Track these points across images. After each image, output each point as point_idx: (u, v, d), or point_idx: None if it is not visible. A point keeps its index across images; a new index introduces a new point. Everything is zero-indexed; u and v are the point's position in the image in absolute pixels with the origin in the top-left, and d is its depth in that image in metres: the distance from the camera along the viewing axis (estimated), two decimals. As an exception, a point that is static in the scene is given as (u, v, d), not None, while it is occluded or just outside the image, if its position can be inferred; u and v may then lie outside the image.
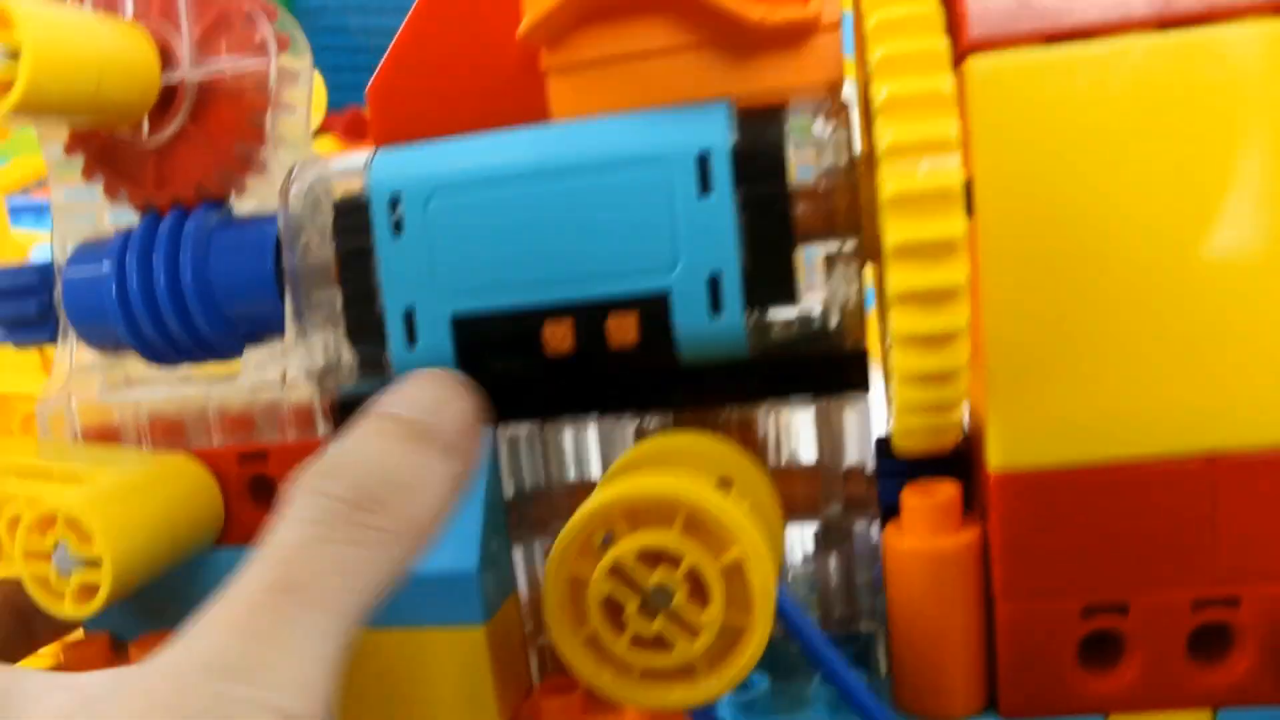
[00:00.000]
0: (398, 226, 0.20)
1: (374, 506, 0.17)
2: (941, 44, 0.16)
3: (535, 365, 0.21)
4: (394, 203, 0.20)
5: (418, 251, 0.20)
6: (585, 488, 0.23)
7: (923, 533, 0.19)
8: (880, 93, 0.16)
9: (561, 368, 0.21)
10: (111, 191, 0.25)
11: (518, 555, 0.23)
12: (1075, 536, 0.18)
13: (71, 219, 0.26)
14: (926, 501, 0.19)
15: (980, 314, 0.18)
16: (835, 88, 0.19)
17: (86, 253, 0.25)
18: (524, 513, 0.24)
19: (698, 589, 0.18)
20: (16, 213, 0.92)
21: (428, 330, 0.21)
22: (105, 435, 0.25)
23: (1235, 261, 0.17)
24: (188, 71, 0.23)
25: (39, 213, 0.93)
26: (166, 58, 0.23)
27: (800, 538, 0.23)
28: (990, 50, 0.17)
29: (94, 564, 0.21)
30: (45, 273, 0.26)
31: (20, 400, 0.32)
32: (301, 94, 0.25)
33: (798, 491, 0.22)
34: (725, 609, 0.18)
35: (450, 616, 0.21)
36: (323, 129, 0.66)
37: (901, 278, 0.16)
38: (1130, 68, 0.16)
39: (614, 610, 0.18)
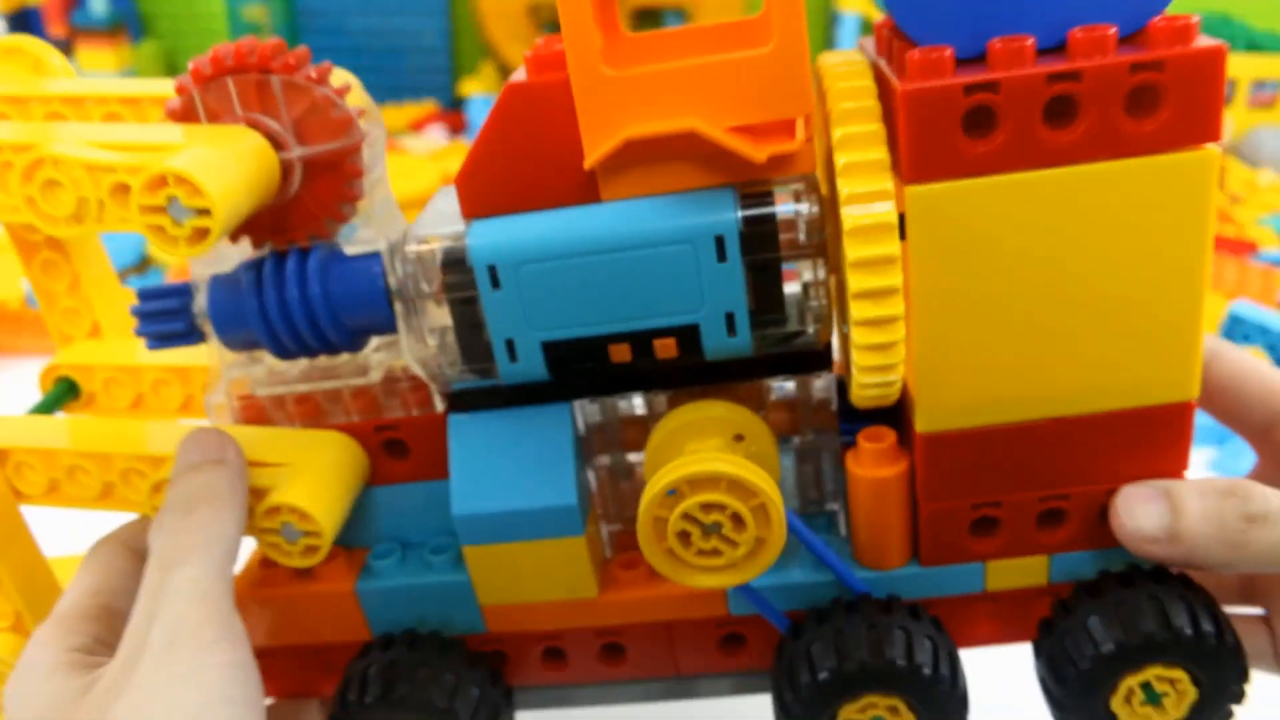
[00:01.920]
0: (496, 284, 0.28)
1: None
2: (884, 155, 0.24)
3: (604, 368, 0.29)
4: (492, 269, 0.28)
5: (513, 300, 0.28)
6: (630, 420, 0.33)
7: (873, 465, 0.29)
8: (842, 187, 0.24)
9: (622, 367, 0.30)
10: (233, 238, 0.31)
11: (590, 472, 0.33)
12: (969, 467, 0.29)
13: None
14: (875, 445, 0.29)
15: (911, 329, 0.27)
16: (810, 173, 0.27)
17: (222, 280, 0.32)
18: (590, 441, 0.33)
19: (737, 520, 0.28)
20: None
21: (525, 352, 0.29)
22: (258, 419, 0.33)
23: (1080, 313, 0.26)
24: (294, 153, 0.29)
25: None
26: (275, 142, 0.29)
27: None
28: (921, 182, 0.25)
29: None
30: (185, 295, 0.32)
31: (130, 375, 0.39)
32: (379, 147, 0.31)
33: (785, 418, 0.32)
34: (755, 530, 0.28)
35: (563, 533, 0.31)
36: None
37: (858, 281, 0.25)
38: (1019, 188, 0.25)
39: (683, 535, 0.28)
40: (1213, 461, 0.61)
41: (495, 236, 0.28)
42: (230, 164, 0.26)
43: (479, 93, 1.18)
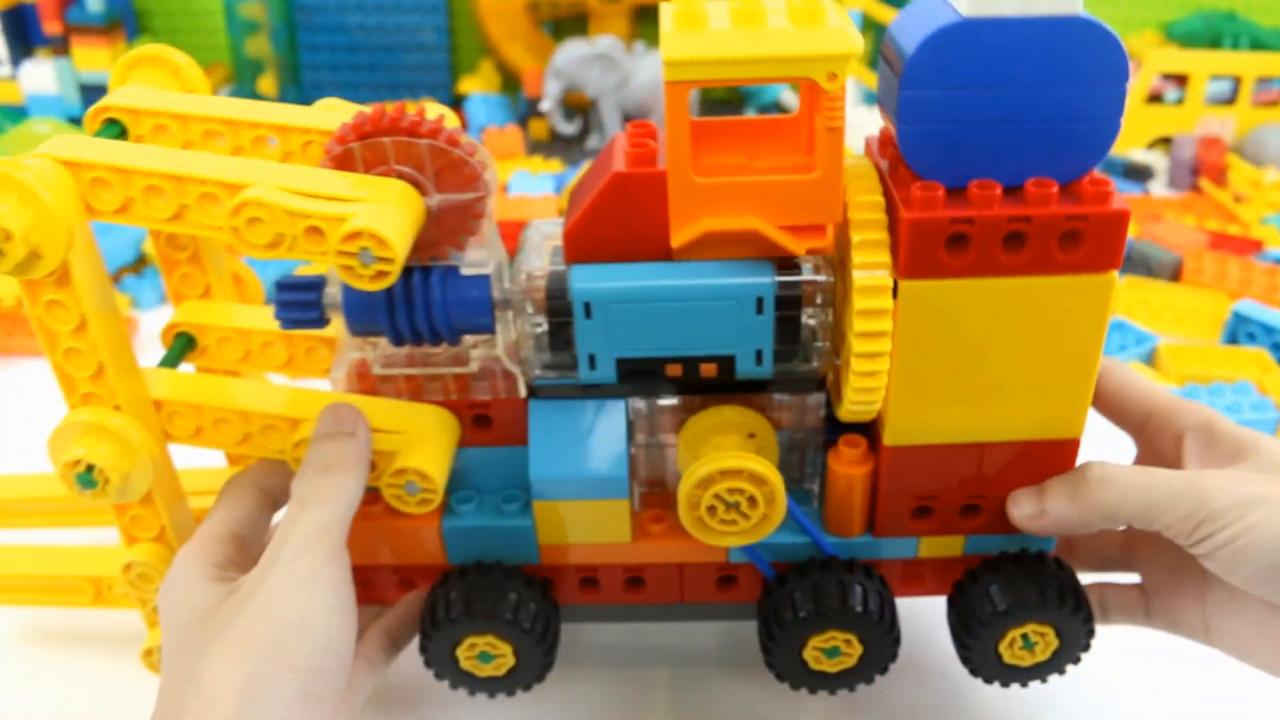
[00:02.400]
0: (588, 314, 0.37)
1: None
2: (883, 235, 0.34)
3: (660, 379, 0.39)
4: (587, 304, 0.37)
5: (600, 327, 0.37)
6: (663, 410, 0.42)
7: (848, 464, 0.40)
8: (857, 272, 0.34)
9: (674, 379, 0.39)
10: (370, 255, 0.39)
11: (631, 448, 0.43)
12: (918, 471, 0.39)
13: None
14: (852, 449, 0.40)
15: (891, 373, 0.37)
16: (830, 254, 0.37)
17: (353, 284, 0.40)
18: (634, 425, 0.42)
19: (752, 500, 0.38)
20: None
21: (602, 364, 0.38)
22: (369, 391, 0.42)
23: (1009, 373, 0.37)
24: (434, 200, 0.37)
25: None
26: (418, 189, 0.37)
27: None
28: (913, 279, 0.35)
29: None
30: (318, 289, 0.40)
31: (241, 335, 0.47)
32: (492, 188, 0.39)
33: (784, 418, 0.42)
34: (764, 508, 0.38)
35: (612, 495, 0.41)
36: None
37: (861, 324, 0.35)
38: (979, 288, 0.35)
39: (711, 508, 0.38)
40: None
41: (592, 281, 0.37)
42: (403, 218, 0.35)
43: (478, 91, 1.17)
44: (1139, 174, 1.05)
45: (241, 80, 1.17)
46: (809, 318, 0.38)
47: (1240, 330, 0.75)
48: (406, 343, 0.40)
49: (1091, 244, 0.34)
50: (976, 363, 0.37)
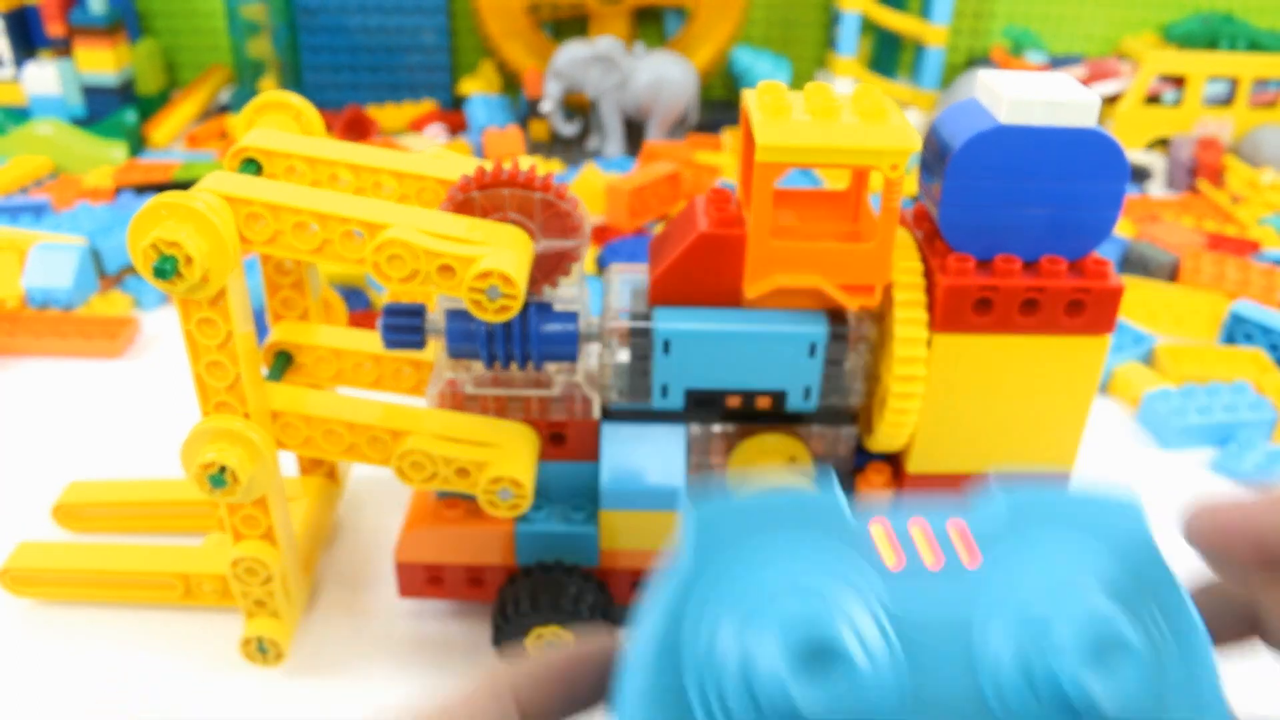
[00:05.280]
0: (666, 350, 0.44)
1: None
2: (922, 314, 0.41)
3: (721, 409, 0.45)
4: (667, 342, 0.43)
5: (675, 361, 0.44)
6: (719, 436, 0.49)
7: (875, 487, 0.47)
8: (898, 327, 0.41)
9: (732, 409, 0.46)
10: (476, 286, 0.45)
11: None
12: (932, 493, 0.46)
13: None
14: (878, 475, 0.47)
15: (919, 412, 0.44)
16: (875, 309, 0.44)
17: (456, 314, 0.46)
18: (688, 447, 0.49)
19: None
20: (13, 212, 0.94)
21: (673, 393, 0.45)
22: (457, 407, 0.48)
23: (1018, 414, 0.44)
24: (540, 246, 0.44)
25: (36, 212, 0.93)
26: (529, 234, 0.43)
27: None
28: (944, 333, 0.42)
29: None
30: (421, 315, 0.46)
31: (335, 355, 0.52)
32: (586, 234, 0.45)
33: (819, 446, 0.49)
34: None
35: (670, 507, 0.47)
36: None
37: (900, 369, 0.42)
38: (998, 343, 0.42)
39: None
40: (1213, 461, 0.65)
41: (673, 322, 0.43)
42: (522, 261, 0.41)
43: (478, 92, 1.18)
44: (1137, 175, 1.06)
45: (243, 82, 1.18)
46: (849, 362, 0.45)
47: (1238, 330, 0.75)
48: (498, 365, 0.46)
49: (1092, 312, 0.42)
50: (991, 404, 0.44)
